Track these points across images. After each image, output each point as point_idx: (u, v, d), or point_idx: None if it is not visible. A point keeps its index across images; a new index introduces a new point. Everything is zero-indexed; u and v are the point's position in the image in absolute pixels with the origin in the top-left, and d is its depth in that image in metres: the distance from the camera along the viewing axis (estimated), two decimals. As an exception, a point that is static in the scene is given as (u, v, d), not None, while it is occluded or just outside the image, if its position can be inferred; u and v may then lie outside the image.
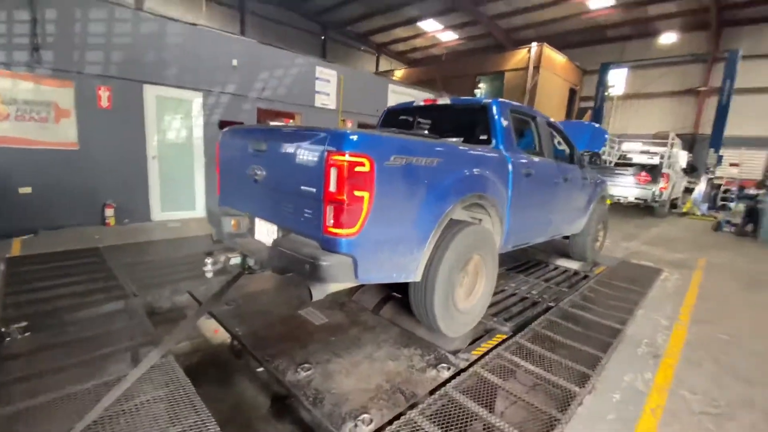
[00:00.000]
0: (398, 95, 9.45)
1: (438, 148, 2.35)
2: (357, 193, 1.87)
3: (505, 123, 3.08)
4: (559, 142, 4.38)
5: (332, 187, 1.86)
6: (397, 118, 3.96)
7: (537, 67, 14.93)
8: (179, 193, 6.30)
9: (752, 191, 11.43)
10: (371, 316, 3.06)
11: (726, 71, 11.53)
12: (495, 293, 3.70)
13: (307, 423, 2.12)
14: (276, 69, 7.07)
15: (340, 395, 2.03)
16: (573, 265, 4.89)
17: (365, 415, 1.86)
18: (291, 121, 7.81)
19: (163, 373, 2.05)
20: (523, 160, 3.19)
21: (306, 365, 2.27)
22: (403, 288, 2.74)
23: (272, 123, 8.13)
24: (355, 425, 1.80)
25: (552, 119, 4.27)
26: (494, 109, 3.07)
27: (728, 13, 13.85)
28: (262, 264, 2.42)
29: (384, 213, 2.02)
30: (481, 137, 3.14)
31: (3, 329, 2.26)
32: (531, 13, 15.77)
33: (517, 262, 4.80)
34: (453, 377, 2.28)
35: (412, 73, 20.48)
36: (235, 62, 6.43)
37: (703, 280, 4.79)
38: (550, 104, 16.05)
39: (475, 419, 1.94)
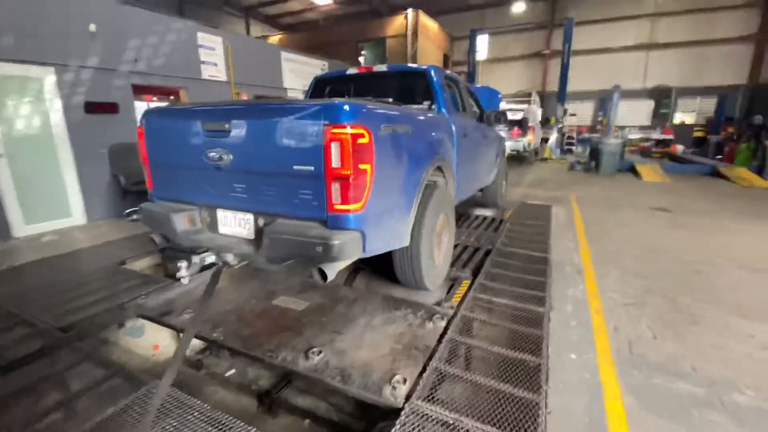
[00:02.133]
0: (293, 63, 8.91)
1: (411, 116, 2.42)
2: (361, 166, 1.85)
3: (444, 88, 3.27)
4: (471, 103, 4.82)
5: (335, 163, 1.80)
6: (328, 87, 3.83)
7: (415, 34, 15.60)
8: (46, 199, 5.02)
9: (587, 135, 14.31)
10: (348, 290, 3.08)
11: (565, 36, 13.89)
12: (443, 247, 4.07)
13: (304, 409, 2.13)
14: (148, 36, 5.93)
15: (363, 366, 2.08)
16: (488, 212, 5.58)
17: (397, 376, 1.96)
18: (176, 98, 6.77)
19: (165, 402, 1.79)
20: (461, 121, 3.47)
21: (314, 350, 2.22)
22: (368, 259, 2.82)
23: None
24: (393, 387, 1.89)
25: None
26: (433, 74, 3.22)
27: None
28: (245, 257, 2.21)
29: (382, 183, 2.03)
30: (423, 102, 3.28)
31: None
32: (402, -22, 16.17)
33: (446, 218, 5.27)
34: (448, 324, 2.51)
35: (290, 39, 19.30)
36: (93, 27, 5.18)
37: (579, 209, 6.01)
38: (430, 69, 17.07)
39: (482, 351, 2.22)
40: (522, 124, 11.47)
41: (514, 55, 18.91)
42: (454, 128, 3.23)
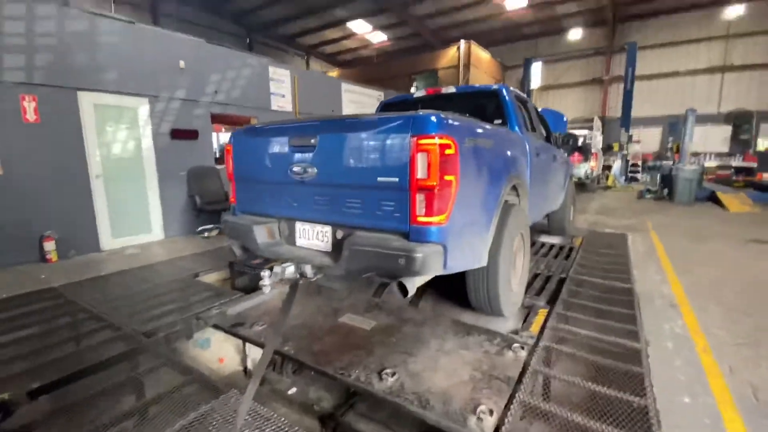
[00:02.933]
0: (351, 94, 9.33)
1: (490, 131, 2.35)
2: (447, 177, 1.79)
3: (516, 106, 3.19)
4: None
5: (421, 174, 1.76)
6: (395, 110, 3.90)
7: (467, 65, 15.82)
8: (132, 216, 5.51)
9: (657, 162, 13.31)
10: (414, 311, 2.96)
11: (628, 60, 13.35)
12: (511, 273, 3.85)
13: None
14: (227, 70, 6.53)
15: (442, 392, 1.93)
16: (555, 240, 5.25)
17: (482, 406, 1.79)
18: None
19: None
20: (534, 141, 3.34)
21: (387, 371, 2.11)
22: (433, 281, 2.70)
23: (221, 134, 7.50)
24: (479, 418, 1.73)
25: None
26: (505, 93, 3.16)
27: (621, 10, 16.00)
28: (323, 269, 2.21)
29: (465, 197, 1.96)
30: (495, 121, 3.21)
31: (7, 397, 1.76)
32: (456, 13, 16.66)
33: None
34: (530, 355, 2.30)
35: (346, 74, 20.42)
36: (182, 64, 5.80)
37: (660, 239, 5.46)
38: (481, 98, 17.11)
39: (575, 387, 1.98)
40: (583, 150, 10.95)
41: (570, 82, 18.43)
42: (528, 146, 3.11)
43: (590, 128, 11.60)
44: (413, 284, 1.90)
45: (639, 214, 7.64)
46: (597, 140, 12.83)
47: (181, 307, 3.16)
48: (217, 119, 6.71)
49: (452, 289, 3.17)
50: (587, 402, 1.89)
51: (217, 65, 6.39)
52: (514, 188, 2.84)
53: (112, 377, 2.19)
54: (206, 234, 5.79)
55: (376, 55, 21.72)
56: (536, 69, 18.83)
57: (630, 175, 15.15)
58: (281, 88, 7.44)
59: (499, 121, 3.18)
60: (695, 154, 15.38)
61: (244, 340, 2.62)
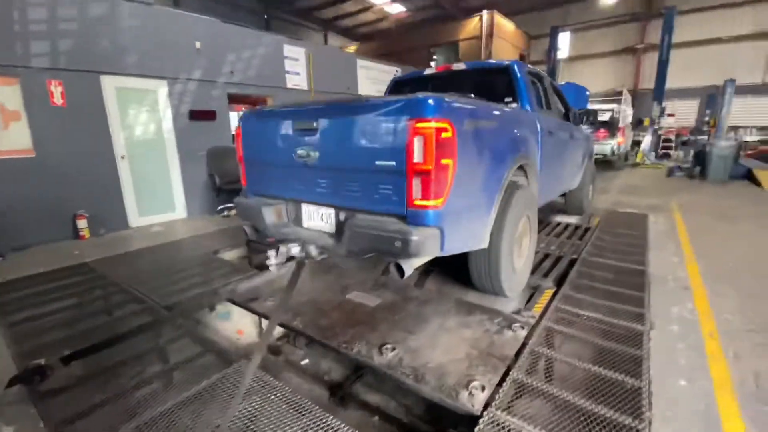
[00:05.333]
0: (368, 71, 9.19)
1: (494, 111, 2.32)
2: (444, 161, 1.80)
3: (528, 83, 3.09)
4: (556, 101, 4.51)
5: (417, 158, 1.78)
6: (405, 88, 3.85)
7: (490, 35, 15.16)
8: (156, 195, 5.77)
9: (690, 137, 12.57)
10: (420, 291, 3.04)
11: (664, 27, 12.40)
12: (521, 253, 3.84)
13: (373, 405, 2.10)
14: (243, 50, 6.55)
15: (438, 368, 2.01)
16: (572, 219, 5.15)
17: (475, 382, 1.86)
18: (265, 105, 7.34)
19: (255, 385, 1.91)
20: (547, 119, 3.24)
21: (388, 346, 2.21)
22: (439, 261, 2.74)
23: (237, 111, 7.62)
24: (470, 393, 1.80)
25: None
26: (517, 70, 3.06)
27: (659, -28, 14.77)
28: (326, 249, 2.29)
29: (463, 180, 1.97)
30: (506, 99, 3.14)
31: (44, 362, 1.96)
32: (478, -21, 15.84)
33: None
34: (529, 335, 2.34)
35: (364, 48, 20.00)
36: (198, 44, 5.86)
37: (683, 219, 5.26)
38: (504, 71, 16.43)
39: (570, 367, 2.02)
40: (610, 125, 10.46)
41: (601, 52, 17.37)
42: (539, 125, 3.03)
43: (618, 101, 10.99)
44: (410, 266, 1.95)
45: (666, 193, 7.33)
46: (626, 114, 12.18)
47: (202, 282, 3.36)
48: (234, 99, 6.78)
49: (458, 269, 3.21)
50: (582, 382, 1.93)
51: (232, 45, 6.41)
52: (522, 168, 2.80)
53: (136, 346, 2.39)
54: (226, 213, 6.00)
55: (395, 27, 21.06)
56: (564, 39, 17.82)
57: (662, 151, 14.40)
58: (296, 66, 7.41)
59: (510, 99, 3.10)
60: (734, 128, 14.40)
61: (255, 313, 2.78)
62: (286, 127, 2.33)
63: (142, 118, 5.52)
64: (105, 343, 2.37)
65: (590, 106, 13.07)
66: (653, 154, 12.84)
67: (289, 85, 7.38)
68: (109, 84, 5.09)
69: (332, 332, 2.44)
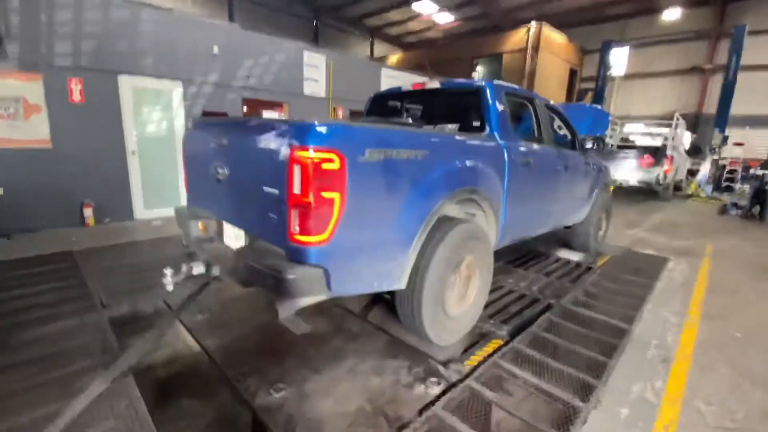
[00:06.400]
0: (393, 80, 9.07)
1: (423, 139, 2.08)
2: (325, 194, 1.62)
3: (500, 107, 2.80)
4: (559, 127, 4.10)
5: (296, 189, 1.61)
6: (385, 104, 3.68)
7: (536, 48, 14.44)
8: (163, 190, 6.03)
9: (758, 171, 11.09)
10: (358, 322, 2.84)
11: (732, 47, 11.10)
12: (492, 291, 3.48)
13: None
14: (261, 56, 6.71)
15: (315, 422, 1.81)
16: (575, 256, 4.65)
17: (342, 448, 1.64)
18: (281, 110, 7.48)
19: (117, 397, 1.83)
20: (521, 148, 2.91)
21: (280, 385, 2.05)
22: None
23: (265, 113, 7.81)
24: (330, 461, 1.59)
25: (552, 102, 3.98)
26: (488, 92, 2.78)
27: (734, -14, 13.31)
28: (229, 273, 2.18)
29: (360, 215, 1.76)
30: (475, 123, 2.86)
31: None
32: (530, -10, 15.20)
33: (517, 255, 4.57)
34: (444, 393, 2.06)
35: (408, 57, 19.94)
36: (216, 49, 6.08)
37: (711, 269, 4.55)
38: (550, 86, 15.59)
39: (468, 444, 1.73)
40: (656, 152, 9.47)
41: (663, 70, 15.88)
42: (506, 155, 2.72)
43: (672, 126, 9.91)
44: (290, 307, 1.77)
45: (706, 235, 6.45)
46: (680, 140, 10.98)
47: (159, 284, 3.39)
48: (250, 103, 6.96)
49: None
50: (476, 464, 1.64)
51: (251, 50, 6.58)
52: (472, 202, 2.52)
53: (53, 346, 2.41)
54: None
55: (443, 37, 20.81)
56: (621, 54, 16.56)
57: (725, 183, 12.84)
58: (315, 73, 7.47)
59: (478, 124, 2.82)
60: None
61: (183, 326, 2.73)
62: (209, 141, 2.26)
63: (156, 117, 5.80)
64: (24, 336, 2.42)
65: (641, 129, 11.96)
66: (710, 187, 11.46)
67: (307, 92, 7.45)
68: (126, 83, 5.40)
69: (237, 358, 2.32)
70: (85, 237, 4.85)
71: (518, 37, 14.92)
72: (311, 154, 1.57)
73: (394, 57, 20.47)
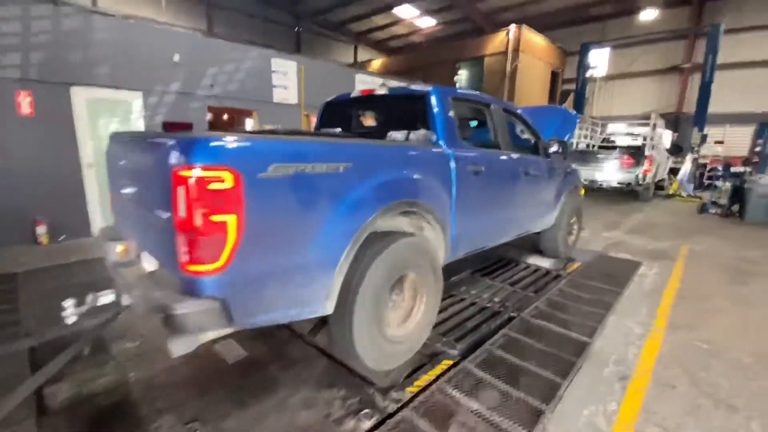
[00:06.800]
0: (368, 85, 8.94)
1: (346, 150, 1.91)
2: (215, 218, 1.44)
3: (446, 114, 2.65)
4: (521, 131, 3.97)
5: (181, 212, 1.43)
6: (338, 112, 3.52)
7: (516, 51, 14.45)
8: (124, 204, 5.79)
9: (740, 168, 11.13)
10: (300, 346, 2.65)
11: (708, 46, 11.15)
12: (450, 305, 3.32)
13: None
14: (226, 63, 6.53)
15: (223, 470, 1.63)
16: (545, 263, 4.51)
17: (243, 502, 1.46)
18: (252, 118, 7.29)
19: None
20: (471, 156, 2.76)
21: (195, 424, 1.86)
22: None
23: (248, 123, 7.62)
24: None
25: (513, 106, 3.86)
26: (433, 98, 2.63)
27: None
28: (136, 305, 1.98)
29: (266, 238, 1.59)
30: (422, 131, 2.70)
31: None
32: (509, -7, 15.23)
33: (486, 263, 4.41)
34: (377, 426, 1.88)
35: (391, 62, 19.89)
36: (176, 57, 5.89)
37: (684, 272, 4.44)
38: (532, 88, 15.60)
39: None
40: (636, 152, 9.44)
41: (643, 70, 15.96)
42: (453, 164, 2.57)
43: (650, 126, 9.90)
44: (188, 343, 1.58)
45: (684, 235, 6.37)
46: (661, 140, 10.99)
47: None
48: (216, 111, 6.77)
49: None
50: None
51: (215, 58, 6.40)
52: (413, 214, 2.36)
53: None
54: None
55: (425, 42, 20.81)
56: (601, 55, 16.64)
57: (707, 182, 12.86)
58: (284, 80, 7.30)
59: (425, 131, 2.66)
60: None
61: (110, 354, 2.52)
62: (120, 157, 2.08)
63: (113, 128, 5.57)
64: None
65: (622, 129, 11.94)
66: (691, 186, 11.46)
67: (276, 99, 7.27)
68: (80, 95, 5.18)
69: (156, 393, 2.12)
70: (36, 256, 4.61)
71: (498, 40, 14.92)
72: (198, 172, 1.39)
73: (377, 62, 20.41)
